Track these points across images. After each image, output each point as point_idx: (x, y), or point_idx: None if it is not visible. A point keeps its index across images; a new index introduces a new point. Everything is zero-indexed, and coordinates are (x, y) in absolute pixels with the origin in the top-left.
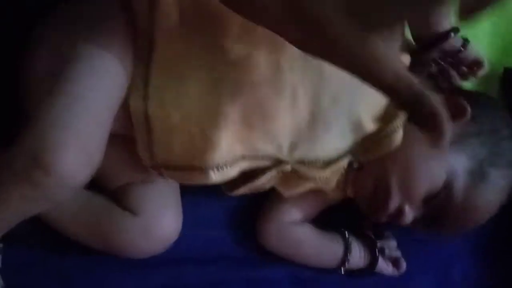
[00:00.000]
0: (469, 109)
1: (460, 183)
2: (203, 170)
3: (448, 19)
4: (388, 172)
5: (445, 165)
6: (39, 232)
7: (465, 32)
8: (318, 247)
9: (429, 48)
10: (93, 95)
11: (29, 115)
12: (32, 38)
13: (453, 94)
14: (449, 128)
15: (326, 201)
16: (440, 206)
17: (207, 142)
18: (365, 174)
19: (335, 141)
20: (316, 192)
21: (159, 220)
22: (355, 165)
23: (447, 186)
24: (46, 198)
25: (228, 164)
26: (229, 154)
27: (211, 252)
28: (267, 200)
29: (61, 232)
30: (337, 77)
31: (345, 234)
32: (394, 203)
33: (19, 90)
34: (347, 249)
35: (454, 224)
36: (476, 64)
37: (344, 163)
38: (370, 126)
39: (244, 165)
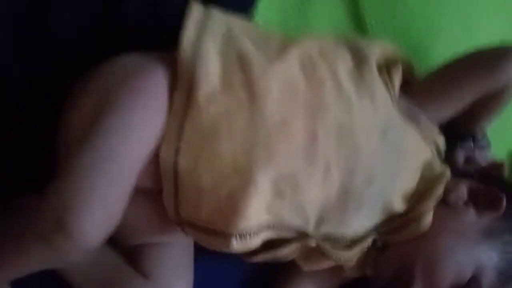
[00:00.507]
0: (504, 202)
1: (487, 281)
2: (226, 236)
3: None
4: (413, 257)
5: (474, 258)
6: (50, 283)
7: None
8: None
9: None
10: (125, 150)
11: (60, 167)
12: (76, 90)
13: (492, 185)
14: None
15: (342, 278)
16: None
17: (234, 208)
18: (388, 255)
19: (364, 220)
20: (335, 269)
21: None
22: (379, 244)
23: (474, 282)
24: (61, 259)
25: (252, 233)
26: (255, 223)
27: None
28: (283, 271)
29: (73, 285)
30: (374, 156)
31: None
32: None
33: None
34: None
35: None
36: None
37: (369, 241)
38: (399, 206)
39: (268, 235)
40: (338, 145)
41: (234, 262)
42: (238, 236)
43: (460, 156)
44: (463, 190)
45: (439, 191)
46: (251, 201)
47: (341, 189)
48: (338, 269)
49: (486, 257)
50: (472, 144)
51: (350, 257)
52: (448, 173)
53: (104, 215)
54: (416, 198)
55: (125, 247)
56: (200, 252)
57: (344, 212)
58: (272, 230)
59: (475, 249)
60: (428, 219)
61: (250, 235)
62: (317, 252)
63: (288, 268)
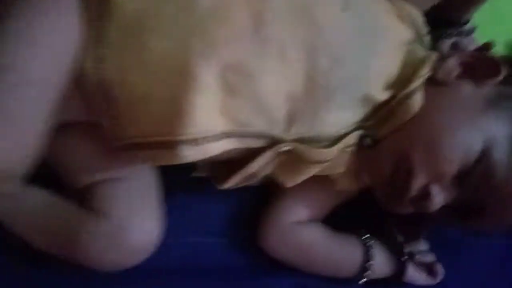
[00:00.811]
0: (503, 67)
1: (501, 153)
2: (174, 144)
3: None
4: (408, 146)
5: (480, 130)
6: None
7: None
8: (331, 252)
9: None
10: (34, 64)
11: None
12: None
13: (484, 52)
14: None
15: (338, 196)
16: (477, 185)
17: (177, 111)
18: (381, 152)
19: (341, 114)
20: (325, 184)
21: (130, 223)
22: (368, 142)
23: (485, 157)
24: None
25: (207, 141)
26: (207, 127)
27: (203, 262)
28: (269, 200)
29: (27, 240)
30: (338, 33)
31: (364, 235)
32: (418, 182)
33: None
34: (367, 254)
35: (498, 210)
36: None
37: (353, 139)
38: (382, 95)
39: (229, 144)
40: (291, 23)
41: (218, 199)
42: (188, 143)
43: (447, 43)
44: (452, 63)
45: (424, 71)
46: (195, 100)
47: (306, 76)
48: (331, 184)
49: (495, 127)
50: (458, 31)
51: (332, 153)
52: (433, 56)
53: (17, 143)
54: (400, 83)
55: (75, 190)
56: (180, 192)
57: (315, 104)
58: (236, 138)
59: (479, 120)
60: (416, 99)
61: (204, 142)
62: (295, 159)
63: (274, 196)
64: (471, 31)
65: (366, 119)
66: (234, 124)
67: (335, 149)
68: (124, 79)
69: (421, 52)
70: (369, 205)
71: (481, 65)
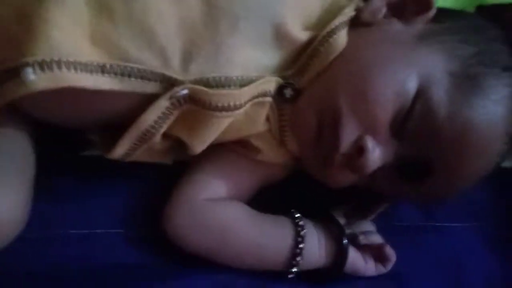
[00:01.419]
0: (433, 2)
1: (440, 90)
2: (19, 68)
3: None
4: (333, 90)
5: (413, 67)
6: None
7: None
8: (254, 235)
9: None
10: None
11: None
12: None
13: None
14: None
15: (264, 172)
16: (418, 132)
17: (25, 29)
18: (304, 104)
19: (250, 52)
20: (247, 155)
21: None
22: (290, 93)
23: (422, 96)
24: None
25: (67, 66)
26: (67, 51)
27: (94, 258)
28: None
29: None
30: None
31: (295, 216)
32: (348, 134)
33: None
34: (298, 237)
35: (446, 163)
36: None
37: (269, 85)
38: (300, 35)
39: (106, 83)
40: None
41: (115, 183)
42: (35, 65)
43: None
44: (377, 3)
45: (348, 9)
46: (47, 15)
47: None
48: (252, 155)
49: (431, 62)
50: None
51: (240, 97)
52: None
53: None
54: (322, 24)
55: None
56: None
57: (215, 35)
58: (116, 77)
59: (411, 55)
60: (340, 36)
61: (57, 65)
62: (198, 109)
63: (189, 172)
64: None
65: (286, 67)
66: (111, 56)
67: (244, 91)
68: None
69: (344, 1)
70: (306, 187)
71: (409, 2)
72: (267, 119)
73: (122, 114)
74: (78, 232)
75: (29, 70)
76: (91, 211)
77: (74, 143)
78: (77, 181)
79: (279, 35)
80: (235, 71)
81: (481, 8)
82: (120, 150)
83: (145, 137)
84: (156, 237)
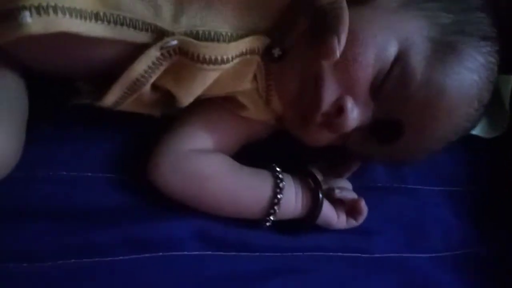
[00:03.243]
0: None
1: (418, 55)
2: (16, 10)
3: None
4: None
5: (394, 31)
6: None
7: None
8: (234, 186)
9: None
10: None
11: None
12: None
13: None
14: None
15: (248, 128)
16: (394, 94)
17: None
18: (289, 64)
19: (240, 9)
20: (232, 111)
21: None
22: (277, 52)
23: (401, 59)
24: None
25: (62, 12)
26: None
27: (79, 201)
28: (167, 130)
29: None
30: None
31: (276, 169)
32: (329, 93)
33: None
34: (276, 188)
35: (417, 126)
36: None
37: (257, 42)
38: None
39: (100, 31)
40: None
41: (104, 131)
42: (32, 9)
43: None
44: None
45: None
46: None
47: None
48: (237, 111)
49: (411, 27)
50: None
51: (228, 50)
52: None
53: None
54: None
55: None
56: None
57: None
58: (109, 26)
59: (392, 19)
60: None
61: (53, 10)
62: (187, 62)
63: (175, 124)
64: None
65: (274, 26)
66: (105, 5)
67: (233, 46)
68: None
69: None
70: (286, 146)
71: None
72: (254, 77)
73: (113, 62)
74: (66, 174)
75: (27, 13)
76: (79, 155)
77: (63, 91)
78: (66, 127)
79: None
80: (225, 27)
81: None
82: (111, 97)
83: (135, 86)
84: (141, 182)
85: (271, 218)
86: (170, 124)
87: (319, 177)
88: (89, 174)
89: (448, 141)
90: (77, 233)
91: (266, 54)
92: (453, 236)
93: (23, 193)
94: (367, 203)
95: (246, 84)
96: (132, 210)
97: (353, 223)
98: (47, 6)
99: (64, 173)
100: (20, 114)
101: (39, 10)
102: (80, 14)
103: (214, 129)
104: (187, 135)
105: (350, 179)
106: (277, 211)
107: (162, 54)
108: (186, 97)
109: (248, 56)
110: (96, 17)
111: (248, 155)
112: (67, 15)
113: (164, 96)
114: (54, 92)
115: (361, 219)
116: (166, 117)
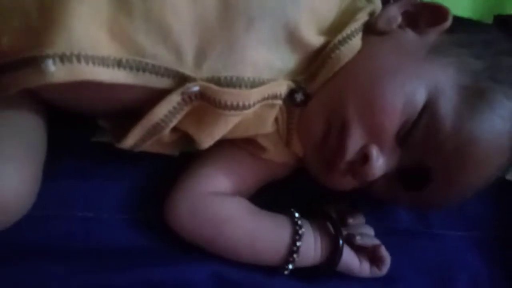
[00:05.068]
0: (450, 14)
1: (447, 104)
2: (39, 59)
3: None
4: (342, 97)
5: (423, 79)
6: None
7: None
8: (252, 231)
9: None
10: None
11: None
12: None
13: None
14: None
15: (268, 170)
16: (421, 143)
17: (47, 20)
18: (313, 109)
19: (263, 53)
20: (252, 153)
21: None
22: (300, 97)
23: (429, 108)
24: None
25: (85, 60)
26: (86, 44)
27: (95, 242)
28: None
29: None
30: None
31: (295, 214)
32: (354, 141)
33: None
34: (295, 235)
35: (444, 175)
36: None
37: (280, 88)
38: (314, 40)
39: (122, 77)
40: None
41: (121, 169)
42: (55, 57)
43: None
44: (393, 11)
45: (363, 16)
46: (68, 8)
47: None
48: (257, 153)
49: (440, 75)
50: None
51: (250, 96)
52: (377, 3)
53: None
54: (336, 30)
55: None
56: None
57: (230, 34)
58: (131, 72)
59: (422, 68)
60: (352, 45)
61: (76, 58)
62: (208, 106)
63: (191, 164)
64: None
65: (298, 71)
66: (128, 51)
67: (254, 92)
68: None
69: (361, 3)
70: (304, 186)
71: (425, 13)
72: (276, 120)
73: (134, 105)
74: (83, 214)
75: (50, 61)
76: (96, 194)
77: (85, 128)
78: (85, 163)
79: (293, 39)
80: (247, 72)
81: (499, 18)
82: (130, 141)
83: (155, 129)
84: (158, 224)
85: (290, 266)
86: (188, 164)
87: (335, 216)
88: (106, 215)
89: (477, 189)
90: (94, 274)
91: (288, 98)
92: (481, 285)
93: (40, 232)
94: (391, 248)
95: (267, 127)
96: (149, 252)
97: (377, 272)
98: (71, 55)
99: (80, 214)
100: (37, 154)
101: (63, 58)
102: (103, 61)
103: (233, 171)
104: (205, 177)
105: (372, 223)
106: (296, 259)
107: (183, 99)
108: (206, 141)
109: (270, 100)
110: (119, 64)
111: (265, 191)
112: (90, 64)
113: (183, 137)
114: (75, 127)
115: (385, 269)
116: (184, 154)
